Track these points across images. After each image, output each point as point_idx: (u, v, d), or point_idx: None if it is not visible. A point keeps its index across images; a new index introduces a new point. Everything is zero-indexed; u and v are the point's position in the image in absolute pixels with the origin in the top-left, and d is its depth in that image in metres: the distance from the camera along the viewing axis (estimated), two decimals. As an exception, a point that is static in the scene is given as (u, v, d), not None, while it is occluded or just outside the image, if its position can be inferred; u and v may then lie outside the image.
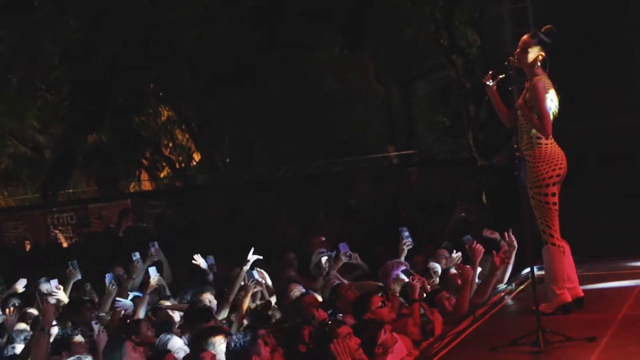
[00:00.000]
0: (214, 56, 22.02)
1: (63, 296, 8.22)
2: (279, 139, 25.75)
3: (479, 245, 7.24)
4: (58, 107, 23.77)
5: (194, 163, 28.34)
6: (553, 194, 5.98)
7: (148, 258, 8.51)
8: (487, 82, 6.15)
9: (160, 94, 25.12)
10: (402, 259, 8.34)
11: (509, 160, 17.35)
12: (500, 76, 6.09)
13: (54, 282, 8.30)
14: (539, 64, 6.09)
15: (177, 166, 27.71)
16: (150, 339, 6.28)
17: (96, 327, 6.26)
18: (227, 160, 25.83)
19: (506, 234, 7.57)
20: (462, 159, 20.57)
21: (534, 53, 6.08)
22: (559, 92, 6.20)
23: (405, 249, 8.41)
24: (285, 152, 25.39)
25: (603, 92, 8.53)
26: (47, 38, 21.95)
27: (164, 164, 27.14)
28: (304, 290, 7.31)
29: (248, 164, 25.41)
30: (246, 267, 7.64)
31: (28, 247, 16.80)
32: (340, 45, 22.27)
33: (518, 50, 6.13)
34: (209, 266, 9.09)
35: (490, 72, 6.15)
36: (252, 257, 7.77)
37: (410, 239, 8.42)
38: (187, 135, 27.43)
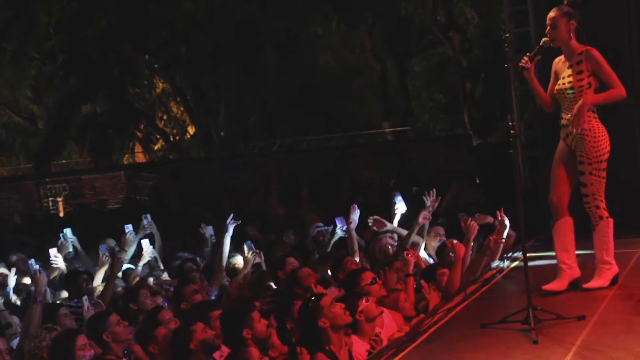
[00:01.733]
0: (210, 29, 21.91)
1: (62, 264, 8.22)
2: (273, 114, 25.74)
3: (473, 222, 7.23)
4: (52, 77, 23.68)
5: (189, 136, 28.32)
6: (604, 168, 5.92)
7: (140, 230, 8.47)
8: (525, 66, 5.86)
9: (156, 66, 25.03)
10: (395, 223, 8.32)
11: (504, 138, 17.37)
12: (537, 57, 5.87)
13: (53, 251, 8.27)
14: (572, 35, 5.85)
15: (172, 139, 27.69)
16: (148, 306, 6.29)
17: (86, 303, 6.25)
18: (222, 133, 25.81)
19: (498, 212, 7.56)
20: (457, 136, 20.57)
21: (564, 24, 5.83)
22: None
23: (398, 214, 8.38)
24: (280, 126, 25.38)
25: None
26: (42, 8, 21.80)
27: (158, 137, 27.12)
28: (297, 264, 7.31)
29: (243, 137, 25.39)
30: (228, 234, 7.65)
31: (20, 217, 16.76)
32: (337, 21, 22.17)
33: (548, 28, 5.87)
34: (209, 236, 9.05)
35: (527, 54, 5.85)
36: (231, 223, 7.77)
37: (403, 203, 8.39)
38: (182, 108, 27.39)
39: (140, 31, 21.59)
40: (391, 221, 8.25)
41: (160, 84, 27.03)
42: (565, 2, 5.96)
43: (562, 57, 6.04)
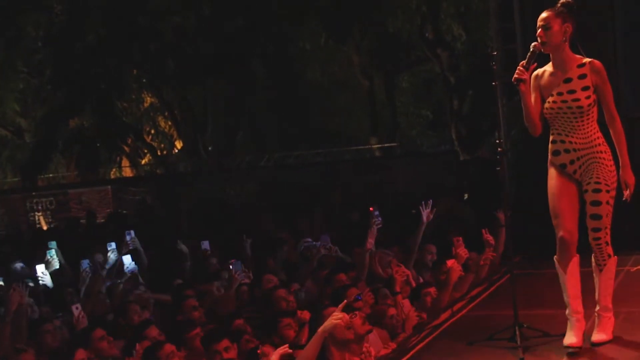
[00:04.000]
0: (198, 43, 21.92)
1: (49, 281, 8.19)
2: (261, 128, 25.75)
3: (463, 249, 7.20)
4: (40, 90, 23.61)
5: (176, 150, 28.27)
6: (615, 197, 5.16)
7: (124, 246, 8.46)
8: (521, 78, 5.07)
9: (144, 80, 25.00)
10: (372, 240, 8.32)
11: (491, 155, 17.42)
12: (532, 66, 5.12)
13: (40, 267, 8.24)
14: (566, 40, 5.08)
15: (159, 153, 27.63)
16: (136, 322, 6.30)
17: (76, 312, 6.21)
18: (209, 148, 25.79)
19: (483, 231, 7.58)
20: (444, 152, 20.63)
21: (558, 25, 5.04)
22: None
23: (375, 228, 8.39)
24: (267, 141, 25.39)
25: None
26: (30, 21, 21.76)
27: (146, 151, 27.06)
28: (276, 282, 7.31)
29: (230, 152, 25.37)
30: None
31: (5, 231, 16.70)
32: (325, 36, 22.23)
33: (540, 30, 5.07)
34: (203, 251, 9.04)
35: (521, 65, 5.09)
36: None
37: (380, 219, 8.40)
38: (169, 123, 27.35)
39: (128, 45, 21.58)
40: (369, 237, 8.20)
41: (148, 98, 27.01)
42: (559, 4, 5.13)
43: (547, 69, 5.23)
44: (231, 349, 5.44)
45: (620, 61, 8.52)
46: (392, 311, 6.59)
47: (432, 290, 7.08)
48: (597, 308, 5.24)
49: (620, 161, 5.12)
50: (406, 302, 6.83)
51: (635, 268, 7.28)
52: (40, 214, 19.50)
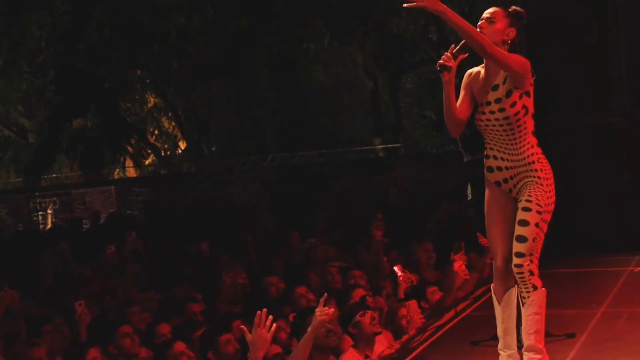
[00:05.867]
0: (202, 44, 21.93)
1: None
2: (265, 129, 25.75)
3: (463, 267, 7.16)
4: (43, 91, 23.62)
5: (180, 151, 28.29)
6: (548, 222, 4.56)
7: (125, 247, 8.48)
8: (447, 64, 4.51)
9: (147, 80, 25.02)
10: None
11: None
12: (462, 56, 4.58)
13: None
14: (506, 44, 4.55)
15: (163, 153, 27.65)
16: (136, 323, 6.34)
17: (79, 309, 6.19)
18: (213, 148, 25.80)
19: (478, 234, 7.56)
20: (448, 153, 20.60)
21: (503, 25, 4.56)
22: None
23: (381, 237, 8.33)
24: (270, 142, 25.39)
25: (583, 91, 8.49)
26: (33, 21, 21.78)
27: (149, 151, 27.08)
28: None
29: (234, 153, 25.38)
30: None
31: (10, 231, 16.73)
32: (329, 37, 22.22)
33: (483, 21, 4.60)
34: (202, 252, 9.03)
35: (450, 50, 4.58)
36: None
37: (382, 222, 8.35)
38: (173, 123, 27.37)
39: (132, 45, 21.59)
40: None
41: (152, 99, 27.03)
42: (511, 8, 4.67)
43: (481, 71, 4.70)
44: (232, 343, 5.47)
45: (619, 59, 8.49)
46: (403, 311, 6.59)
47: (434, 289, 7.09)
48: (523, 348, 4.57)
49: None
50: (413, 303, 6.81)
51: (638, 269, 7.27)
52: (50, 212, 19.54)
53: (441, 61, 4.55)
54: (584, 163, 8.33)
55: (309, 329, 4.77)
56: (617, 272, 6.89)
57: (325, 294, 4.95)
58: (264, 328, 4.49)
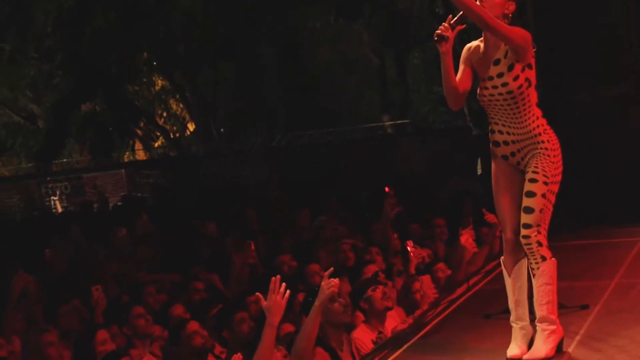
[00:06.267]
0: (208, 25, 21.89)
1: None
2: (272, 109, 25.74)
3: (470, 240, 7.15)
4: (51, 76, 23.66)
5: (188, 132, 28.32)
6: (555, 193, 4.54)
7: (137, 230, 8.51)
8: (444, 34, 4.47)
9: (154, 63, 25.02)
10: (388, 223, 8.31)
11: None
12: (460, 27, 4.52)
13: None
14: (504, 14, 4.51)
15: (172, 136, 27.69)
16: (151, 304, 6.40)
17: (96, 293, 6.22)
18: (221, 129, 25.80)
19: (484, 210, 7.53)
20: (457, 128, 20.56)
21: None
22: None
23: (391, 211, 8.34)
24: (278, 121, 25.38)
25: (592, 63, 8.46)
26: (39, 7, 21.77)
27: (158, 134, 27.13)
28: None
29: (242, 134, 25.39)
30: None
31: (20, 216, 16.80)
32: (334, 14, 22.14)
33: None
34: (210, 233, 9.05)
35: (447, 20, 4.54)
36: None
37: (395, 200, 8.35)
38: (181, 105, 27.39)
39: (138, 28, 21.56)
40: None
41: (159, 81, 27.03)
42: None
43: (481, 46, 4.67)
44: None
45: (635, 35, 8.47)
46: (417, 285, 6.60)
47: (442, 266, 7.10)
48: (536, 320, 4.56)
49: None
50: (427, 278, 6.82)
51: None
52: (56, 198, 19.61)
53: (439, 31, 4.50)
54: (595, 134, 8.32)
55: (316, 303, 4.82)
56: (629, 243, 6.88)
57: (332, 268, 4.97)
58: (279, 294, 4.60)
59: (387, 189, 8.47)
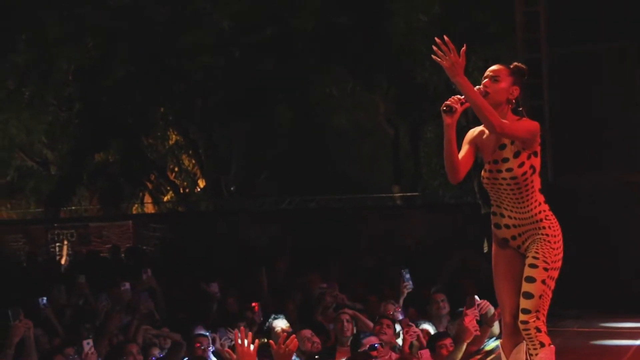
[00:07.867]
0: (225, 84, 22.14)
1: None
2: (284, 171, 25.86)
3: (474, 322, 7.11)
4: (68, 124, 23.87)
5: (199, 189, 28.40)
6: (555, 279, 4.53)
7: (140, 285, 8.52)
8: (453, 106, 4.52)
9: (170, 118, 25.24)
10: (401, 302, 8.36)
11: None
12: (467, 105, 4.57)
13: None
14: (510, 103, 4.60)
15: (182, 191, 27.76)
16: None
17: (86, 347, 6.21)
18: (232, 188, 25.88)
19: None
20: (466, 204, 20.58)
21: (507, 83, 4.61)
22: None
23: (406, 291, 8.42)
24: (290, 184, 25.47)
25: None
26: (63, 54, 22.10)
27: (168, 188, 27.20)
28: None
29: (252, 193, 25.46)
30: None
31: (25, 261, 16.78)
32: (352, 83, 22.39)
33: (487, 80, 4.62)
34: (212, 293, 9.05)
35: (458, 96, 4.59)
36: None
37: (410, 282, 8.41)
38: (193, 161, 27.52)
39: (157, 83, 21.83)
40: (398, 298, 8.27)
41: (174, 136, 27.24)
42: (512, 65, 4.72)
43: (484, 130, 4.72)
44: None
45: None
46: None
47: (448, 342, 7.05)
48: None
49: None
50: (426, 352, 6.78)
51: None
52: (66, 244, 19.63)
53: (448, 102, 4.58)
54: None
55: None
56: (633, 334, 6.84)
57: (293, 335, 4.68)
58: (246, 346, 4.35)
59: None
